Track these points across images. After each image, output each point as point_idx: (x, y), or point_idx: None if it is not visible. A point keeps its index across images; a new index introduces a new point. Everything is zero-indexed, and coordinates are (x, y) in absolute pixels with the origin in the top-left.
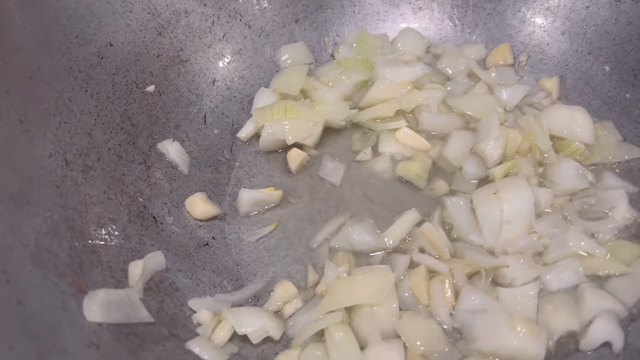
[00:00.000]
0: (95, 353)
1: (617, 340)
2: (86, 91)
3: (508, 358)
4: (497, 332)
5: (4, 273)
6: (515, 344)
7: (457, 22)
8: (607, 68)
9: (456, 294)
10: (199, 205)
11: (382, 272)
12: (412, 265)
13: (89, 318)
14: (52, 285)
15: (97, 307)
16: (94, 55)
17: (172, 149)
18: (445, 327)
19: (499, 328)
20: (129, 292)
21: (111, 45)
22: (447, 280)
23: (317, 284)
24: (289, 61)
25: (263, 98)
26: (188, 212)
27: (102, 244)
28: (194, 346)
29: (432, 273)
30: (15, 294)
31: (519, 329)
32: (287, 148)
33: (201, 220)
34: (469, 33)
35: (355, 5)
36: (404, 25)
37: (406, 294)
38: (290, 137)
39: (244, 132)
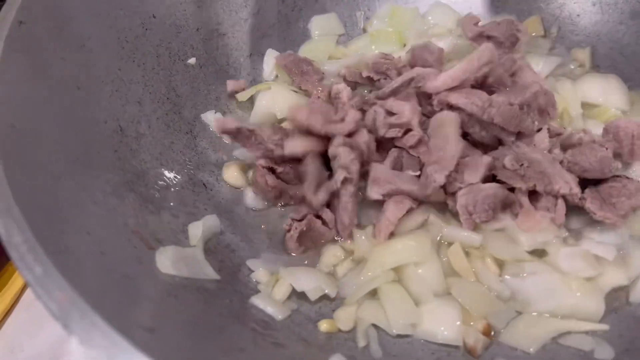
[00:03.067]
0: (174, 302)
1: None
2: (133, 61)
3: (567, 316)
4: (552, 293)
5: (82, 227)
6: (574, 302)
7: None
8: (639, 38)
9: (498, 262)
10: (232, 175)
11: (419, 233)
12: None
13: (163, 270)
14: (125, 241)
15: (168, 260)
16: (138, 26)
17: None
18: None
19: (554, 288)
20: (194, 251)
21: (154, 17)
22: (486, 255)
23: None
24: (318, 31)
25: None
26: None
27: (161, 207)
28: (258, 301)
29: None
30: (97, 246)
31: (574, 286)
32: None
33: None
34: (498, 6)
35: None
36: None
37: (444, 259)
38: (279, 112)
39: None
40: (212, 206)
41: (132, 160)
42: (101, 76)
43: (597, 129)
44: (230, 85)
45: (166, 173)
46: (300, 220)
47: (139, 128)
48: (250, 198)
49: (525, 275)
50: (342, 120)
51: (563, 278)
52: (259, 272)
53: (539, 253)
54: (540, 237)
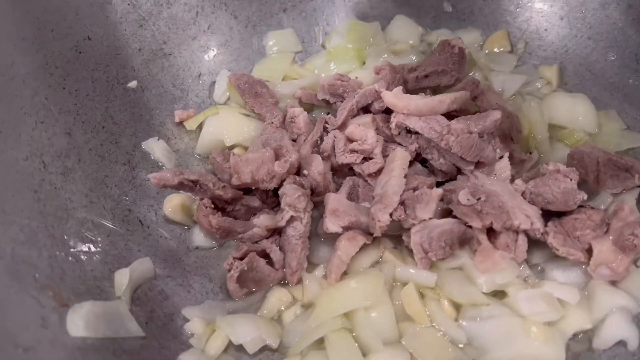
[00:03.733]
0: None
1: (632, 339)
2: (64, 88)
3: None
4: (511, 340)
5: None
6: (533, 351)
7: (451, 8)
8: (609, 53)
9: (454, 304)
10: (175, 207)
11: (371, 274)
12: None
13: (73, 333)
14: (31, 299)
15: (81, 320)
16: (71, 49)
17: (157, 148)
18: (459, 344)
19: (512, 335)
20: (117, 304)
21: (89, 39)
22: (442, 297)
23: None
24: (275, 48)
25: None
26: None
27: (86, 252)
28: (188, 359)
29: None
30: None
31: (533, 333)
32: None
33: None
34: (464, 20)
35: None
36: (396, 13)
37: (397, 302)
38: (228, 139)
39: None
40: (147, 247)
41: (55, 201)
42: (24, 107)
43: (563, 153)
44: (178, 115)
45: (95, 212)
46: (241, 259)
47: (66, 162)
48: (198, 236)
49: (483, 318)
50: (286, 162)
51: (522, 323)
52: (194, 323)
53: (499, 294)
54: (500, 279)
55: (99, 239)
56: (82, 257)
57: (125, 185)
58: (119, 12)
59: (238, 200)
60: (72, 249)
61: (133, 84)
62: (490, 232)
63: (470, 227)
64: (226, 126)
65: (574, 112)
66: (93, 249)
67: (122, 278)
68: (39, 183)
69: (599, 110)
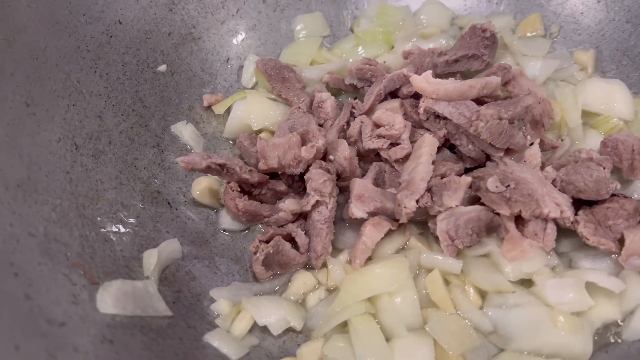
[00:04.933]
0: (109, 349)
1: None
2: (95, 72)
3: (551, 355)
4: (537, 329)
5: (11, 266)
6: (559, 341)
7: None
8: None
9: (480, 292)
10: (203, 190)
11: (395, 260)
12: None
13: (102, 310)
14: (62, 277)
15: (111, 298)
16: (102, 34)
17: (186, 131)
18: (484, 332)
19: (539, 324)
20: (146, 284)
21: (120, 23)
22: (467, 284)
23: None
24: (303, 32)
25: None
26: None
27: (115, 232)
28: (213, 339)
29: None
30: (23, 288)
31: (561, 323)
32: None
33: (206, 206)
34: (496, 3)
35: None
36: None
37: (424, 291)
38: (255, 123)
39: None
40: (175, 228)
41: (86, 182)
42: (57, 90)
43: (597, 141)
44: (207, 99)
45: (125, 194)
46: (267, 242)
47: (97, 145)
48: (225, 219)
49: (509, 307)
50: (313, 147)
51: (549, 312)
52: (220, 303)
53: (525, 282)
54: (527, 267)
55: (128, 220)
56: (112, 237)
57: (155, 167)
58: None
59: (264, 184)
60: (102, 229)
61: (162, 67)
62: (519, 220)
63: (498, 214)
64: (253, 110)
65: (609, 98)
66: (123, 229)
67: (151, 258)
68: (70, 164)
69: (636, 96)
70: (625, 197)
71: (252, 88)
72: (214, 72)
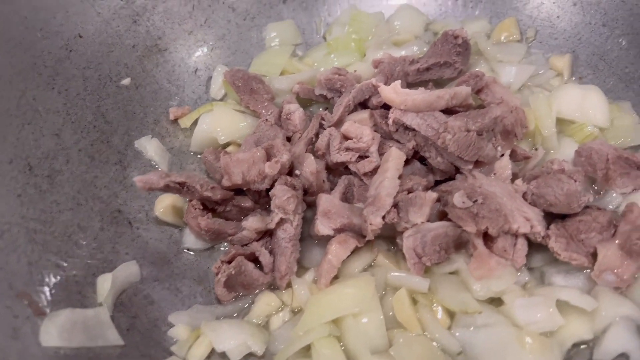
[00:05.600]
0: None
1: (635, 351)
2: (53, 88)
3: None
4: (504, 351)
5: None
6: None
7: None
8: (624, 41)
9: (449, 311)
10: (166, 208)
11: (361, 279)
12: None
13: (45, 343)
14: (3, 309)
15: (56, 329)
16: (61, 48)
17: (150, 146)
18: (452, 354)
19: (506, 345)
20: (97, 311)
21: (80, 37)
22: (435, 303)
23: None
24: (275, 40)
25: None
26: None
27: (69, 256)
28: None
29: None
30: None
31: (528, 344)
32: None
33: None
34: (471, 7)
35: None
36: (401, 1)
37: (390, 313)
38: (222, 136)
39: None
40: (136, 249)
41: (40, 204)
42: (10, 109)
43: (572, 149)
44: (173, 112)
45: (82, 214)
46: (229, 262)
47: (53, 164)
48: (189, 237)
49: (477, 327)
50: (277, 162)
51: (517, 333)
52: (178, 328)
53: (495, 301)
54: (495, 286)
55: (84, 242)
56: (65, 262)
57: (116, 185)
58: (112, 8)
59: (229, 201)
60: (54, 255)
61: (126, 81)
62: (488, 236)
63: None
64: (220, 123)
65: (585, 105)
66: (78, 252)
67: (105, 283)
68: (22, 187)
69: (612, 102)
70: (599, 209)
71: (221, 100)
72: (182, 84)
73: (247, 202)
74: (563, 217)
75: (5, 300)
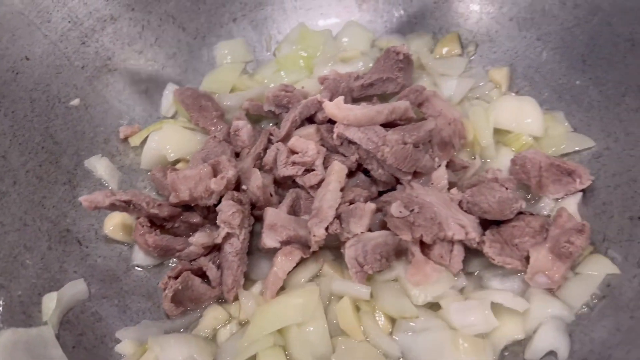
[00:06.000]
0: None
1: (562, 349)
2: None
3: None
4: (440, 353)
5: None
6: None
7: (402, 12)
8: (556, 55)
9: (390, 317)
10: (116, 226)
11: (305, 289)
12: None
13: None
14: None
15: None
16: (7, 71)
17: (100, 165)
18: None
19: (442, 348)
20: (42, 330)
21: (27, 59)
22: (377, 311)
23: None
24: (227, 58)
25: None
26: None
27: (14, 277)
28: None
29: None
30: None
31: (462, 346)
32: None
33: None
34: (415, 24)
35: (296, 0)
36: (348, 18)
37: (334, 321)
38: (171, 153)
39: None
40: (84, 267)
41: None
42: None
43: (509, 158)
44: (122, 131)
45: (29, 235)
46: (175, 278)
47: (0, 186)
48: (138, 254)
49: (416, 331)
50: (223, 178)
51: (452, 335)
52: (125, 344)
53: (435, 305)
54: (432, 291)
55: (30, 262)
56: (9, 282)
57: (65, 205)
58: (59, 30)
59: (177, 217)
60: (1, 273)
61: (76, 101)
62: (425, 243)
63: None
64: (169, 141)
65: (520, 115)
66: (23, 273)
67: (50, 302)
68: None
69: (547, 112)
70: (532, 214)
71: (172, 117)
72: (132, 104)
73: (195, 218)
74: (498, 223)
75: None
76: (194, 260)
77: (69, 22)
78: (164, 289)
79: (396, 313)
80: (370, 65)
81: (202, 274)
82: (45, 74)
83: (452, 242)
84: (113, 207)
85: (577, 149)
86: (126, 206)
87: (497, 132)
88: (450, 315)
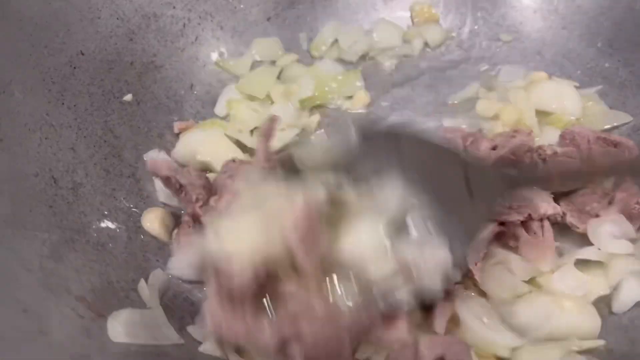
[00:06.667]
0: None
1: None
2: (63, 104)
3: (564, 337)
4: (548, 318)
5: (18, 302)
6: (568, 323)
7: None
8: (582, 41)
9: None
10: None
11: None
12: None
13: (115, 339)
14: (69, 311)
15: (122, 327)
16: (66, 65)
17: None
18: None
19: (548, 312)
20: (154, 312)
21: (82, 54)
22: None
23: None
24: (260, 56)
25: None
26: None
27: (108, 264)
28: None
29: None
30: (36, 323)
31: (566, 307)
32: None
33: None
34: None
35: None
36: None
37: None
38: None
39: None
40: (164, 256)
41: (70, 215)
42: (28, 123)
43: (553, 135)
44: (177, 126)
45: (110, 225)
46: None
47: (74, 177)
48: (177, 263)
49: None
50: None
51: (557, 301)
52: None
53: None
54: (544, 266)
55: (116, 251)
56: (106, 268)
57: (134, 197)
58: (109, 27)
59: None
60: (93, 262)
61: (128, 97)
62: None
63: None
64: (205, 142)
65: (559, 96)
66: (114, 261)
67: (144, 290)
68: (52, 198)
69: (582, 93)
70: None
71: (224, 118)
72: (180, 100)
73: None
74: (566, 196)
75: (68, 304)
76: None
77: (117, 18)
78: None
79: (508, 293)
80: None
81: None
82: (99, 69)
83: (541, 219)
84: (167, 181)
85: (615, 124)
86: (178, 189)
87: (538, 114)
88: (553, 283)
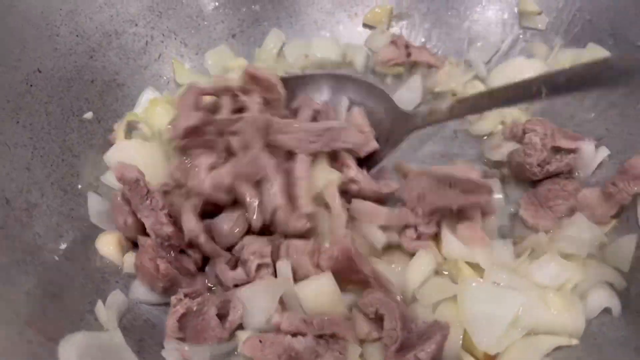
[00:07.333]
0: None
1: (616, 305)
2: (17, 122)
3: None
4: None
5: None
6: (552, 319)
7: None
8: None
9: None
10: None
11: None
12: None
13: None
14: (16, 336)
15: (75, 350)
16: (21, 82)
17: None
18: None
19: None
20: (111, 335)
21: (40, 71)
22: None
23: None
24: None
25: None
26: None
27: (62, 286)
28: None
29: None
30: None
31: (552, 302)
32: None
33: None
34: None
35: (291, 17)
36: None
37: None
38: None
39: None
40: (125, 277)
41: (24, 236)
42: None
43: None
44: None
45: (67, 246)
46: (193, 297)
47: (29, 198)
48: (140, 287)
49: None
50: None
51: (541, 293)
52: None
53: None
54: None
55: (72, 273)
56: (59, 291)
57: None
58: (68, 44)
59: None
60: (47, 284)
61: (89, 115)
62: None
63: None
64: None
65: None
66: (69, 283)
67: (101, 312)
68: (3, 219)
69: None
70: (567, 178)
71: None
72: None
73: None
74: (534, 186)
75: (15, 328)
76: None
77: (77, 36)
78: (175, 305)
79: None
80: None
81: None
82: (57, 86)
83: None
84: (134, 185)
85: None
86: (144, 196)
87: None
88: (533, 274)
